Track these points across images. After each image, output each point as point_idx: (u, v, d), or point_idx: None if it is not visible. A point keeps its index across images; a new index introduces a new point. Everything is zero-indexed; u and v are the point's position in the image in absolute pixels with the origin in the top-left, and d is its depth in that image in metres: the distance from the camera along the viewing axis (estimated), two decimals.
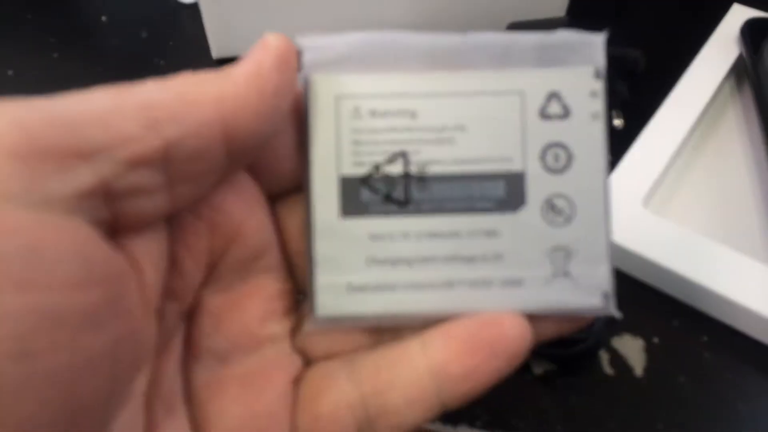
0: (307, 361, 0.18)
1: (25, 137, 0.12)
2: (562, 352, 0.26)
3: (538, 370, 0.27)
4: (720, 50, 0.32)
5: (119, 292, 0.13)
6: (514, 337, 0.16)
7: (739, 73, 0.32)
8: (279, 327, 0.17)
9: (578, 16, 0.32)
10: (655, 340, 0.28)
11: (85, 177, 0.12)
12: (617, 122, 0.31)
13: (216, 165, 0.14)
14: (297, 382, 0.17)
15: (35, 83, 0.36)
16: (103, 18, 0.38)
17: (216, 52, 0.36)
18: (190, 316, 0.17)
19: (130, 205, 0.13)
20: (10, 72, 0.36)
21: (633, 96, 0.32)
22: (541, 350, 0.26)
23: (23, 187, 0.12)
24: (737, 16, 0.33)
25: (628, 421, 0.26)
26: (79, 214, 0.12)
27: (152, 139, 0.13)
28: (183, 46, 0.37)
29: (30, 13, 0.39)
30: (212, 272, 0.16)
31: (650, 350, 0.27)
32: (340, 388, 0.16)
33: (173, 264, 0.15)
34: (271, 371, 0.17)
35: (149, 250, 0.14)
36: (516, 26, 0.32)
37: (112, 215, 0.13)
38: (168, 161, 0.13)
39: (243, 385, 0.16)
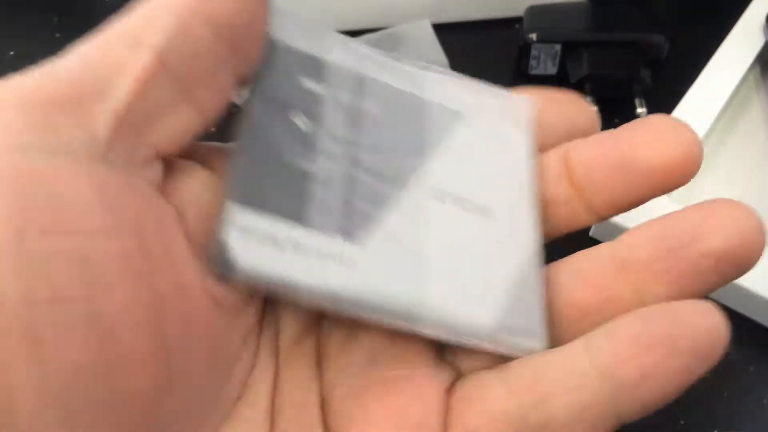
0: (458, 374, 0.16)
1: (26, 93, 0.12)
2: None
3: None
4: (745, 39, 0.31)
5: (158, 245, 0.13)
6: (699, 328, 0.13)
7: (765, 62, 0.31)
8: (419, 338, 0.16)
9: (599, 1, 0.31)
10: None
11: (100, 116, 0.12)
12: (640, 110, 0.31)
13: (219, 56, 0.14)
14: (450, 392, 0.15)
15: (36, 65, 0.35)
16: None
17: None
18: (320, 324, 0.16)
19: (162, 130, 0.13)
20: (11, 53, 0.35)
21: (656, 84, 0.31)
22: None
23: (39, 136, 0.12)
24: (763, 3, 0.32)
25: (650, 417, 0.25)
26: (109, 158, 0.12)
27: (142, 55, 0.13)
28: None
29: None
30: None
31: None
32: (494, 399, 0.15)
33: None
34: (419, 379, 0.15)
35: (198, 202, 0.14)
36: (536, 10, 0.31)
37: (147, 148, 0.13)
38: (169, 68, 0.13)
39: (391, 390, 0.15)
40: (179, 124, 0.14)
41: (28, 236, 0.11)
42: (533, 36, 0.30)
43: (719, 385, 0.26)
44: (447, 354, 0.16)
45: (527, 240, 0.17)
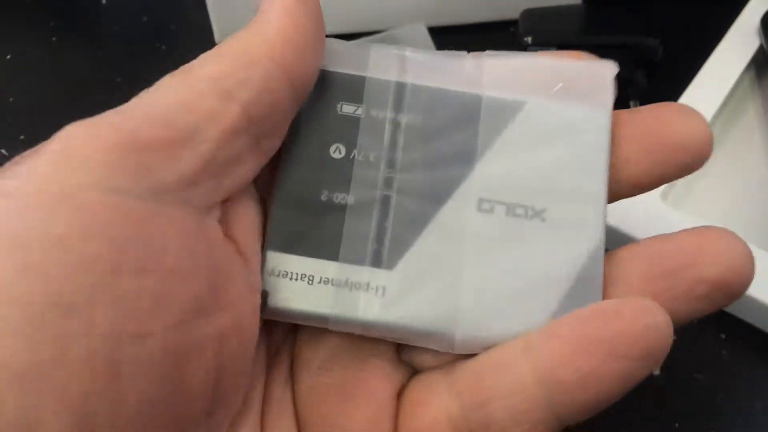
0: (415, 372, 0.17)
1: (123, 134, 0.13)
2: None
3: None
4: (740, 42, 0.31)
5: (223, 284, 0.13)
6: (640, 329, 0.13)
7: (759, 65, 0.31)
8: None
9: (594, 4, 0.32)
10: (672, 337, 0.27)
11: (188, 161, 0.13)
12: None
13: (288, 109, 0.15)
14: (402, 392, 0.16)
15: (33, 67, 0.35)
16: (104, 1, 0.38)
17: (219, 37, 0.35)
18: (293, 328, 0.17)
19: (233, 177, 0.14)
20: (8, 56, 0.35)
21: (651, 87, 0.31)
22: None
23: (132, 178, 0.12)
24: (758, 6, 0.32)
25: (645, 420, 0.25)
26: (189, 202, 0.13)
27: (232, 108, 0.13)
28: (185, 31, 0.36)
29: None
30: None
31: None
32: (439, 401, 0.15)
33: None
34: (373, 381, 0.16)
35: (254, 238, 0.15)
36: (531, 13, 0.31)
37: (220, 193, 0.14)
38: (251, 123, 0.14)
39: (343, 393, 0.16)
40: (246, 171, 0.14)
41: (122, 274, 0.12)
42: (528, 39, 0.30)
43: (714, 388, 0.26)
44: (404, 351, 0.17)
45: (588, 238, 0.15)
